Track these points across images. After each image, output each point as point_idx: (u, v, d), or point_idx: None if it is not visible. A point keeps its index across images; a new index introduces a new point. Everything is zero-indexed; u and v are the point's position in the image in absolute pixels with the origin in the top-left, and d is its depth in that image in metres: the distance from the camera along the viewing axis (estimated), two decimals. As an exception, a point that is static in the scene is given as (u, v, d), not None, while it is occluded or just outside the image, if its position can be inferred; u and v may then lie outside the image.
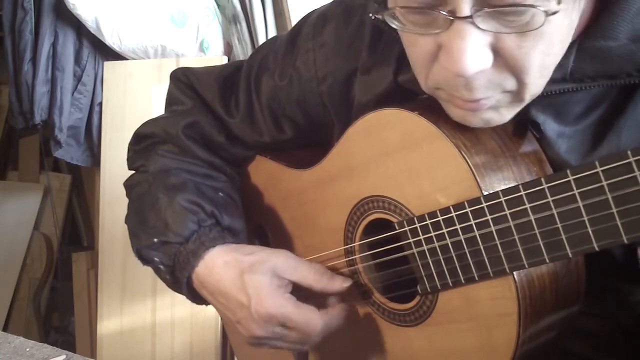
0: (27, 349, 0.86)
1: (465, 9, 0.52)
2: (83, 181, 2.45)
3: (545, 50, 0.56)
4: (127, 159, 0.97)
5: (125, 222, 0.91)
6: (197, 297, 0.85)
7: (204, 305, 0.88)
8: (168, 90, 0.97)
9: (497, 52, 0.56)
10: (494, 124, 0.63)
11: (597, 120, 0.65)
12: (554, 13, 0.51)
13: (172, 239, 0.82)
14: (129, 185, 0.93)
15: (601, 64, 0.62)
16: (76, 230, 2.53)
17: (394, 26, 0.59)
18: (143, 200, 0.88)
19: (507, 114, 0.62)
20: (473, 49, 0.54)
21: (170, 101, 0.97)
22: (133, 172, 0.95)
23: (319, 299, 0.81)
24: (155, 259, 0.83)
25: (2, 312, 2.30)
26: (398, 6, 0.57)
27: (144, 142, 0.94)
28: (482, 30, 0.53)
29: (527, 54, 0.55)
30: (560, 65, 0.62)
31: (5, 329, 2.27)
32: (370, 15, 0.66)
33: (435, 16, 0.55)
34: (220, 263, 0.79)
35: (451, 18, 0.53)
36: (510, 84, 0.58)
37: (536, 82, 0.58)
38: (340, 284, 0.79)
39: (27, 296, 2.34)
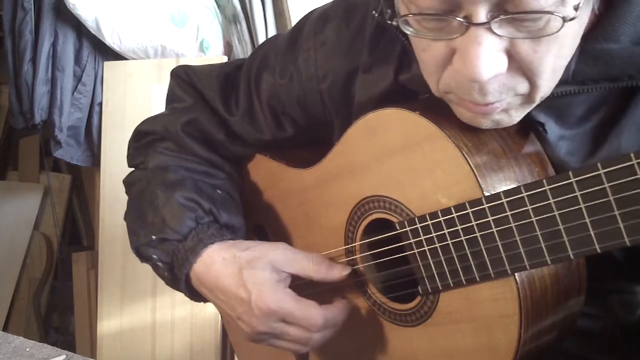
0: (27, 349, 0.86)
1: (482, 15, 0.52)
2: (83, 181, 2.45)
3: (558, 53, 0.56)
4: (127, 156, 0.97)
5: (124, 219, 0.91)
6: (195, 295, 0.85)
7: (203, 306, 0.88)
8: (169, 88, 0.98)
9: (512, 57, 0.55)
10: (504, 125, 0.63)
11: (598, 123, 0.65)
12: (572, 19, 0.51)
13: (170, 236, 0.82)
14: (128, 182, 0.94)
15: (603, 67, 0.62)
16: (76, 230, 2.52)
17: (407, 32, 0.59)
18: (141, 197, 0.88)
19: (516, 116, 0.62)
20: (489, 55, 0.54)
21: (170, 98, 0.97)
22: (132, 169, 0.96)
23: (319, 296, 0.81)
24: (154, 256, 0.83)
25: (2, 312, 2.29)
26: (412, 13, 0.56)
27: (144, 139, 0.94)
28: (497, 35, 0.53)
29: (542, 57, 0.55)
30: None
31: (5, 329, 2.26)
32: (374, 12, 0.66)
33: (449, 22, 0.55)
34: (219, 260, 0.79)
35: (467, 24, 0.53)
36: (524, 87, 0.58)
37: (547, 84, 0.59)
38: (339, 272, 0.79)
39: (27, 296, 2.34)
